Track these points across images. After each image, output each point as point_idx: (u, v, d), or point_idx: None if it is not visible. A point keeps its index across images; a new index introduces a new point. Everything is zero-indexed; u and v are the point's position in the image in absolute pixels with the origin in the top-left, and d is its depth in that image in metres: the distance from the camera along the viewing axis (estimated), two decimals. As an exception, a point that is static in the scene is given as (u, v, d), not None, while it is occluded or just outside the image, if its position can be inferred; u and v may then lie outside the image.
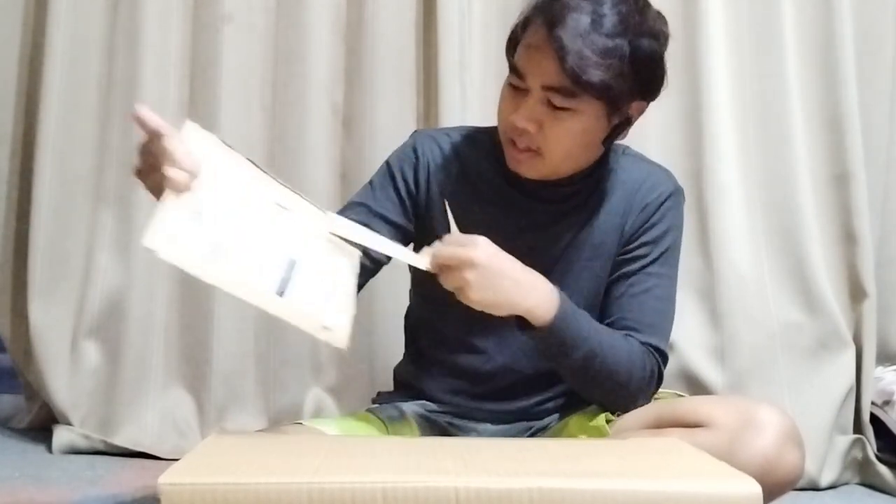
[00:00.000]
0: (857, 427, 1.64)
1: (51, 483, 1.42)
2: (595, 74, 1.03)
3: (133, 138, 0.94)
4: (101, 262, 1.67)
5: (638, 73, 1.07)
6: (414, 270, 1.28)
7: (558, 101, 1.06)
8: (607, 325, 1.15)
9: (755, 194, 1.64)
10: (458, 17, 1.62)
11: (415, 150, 1.22)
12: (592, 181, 1.19)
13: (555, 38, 1.03)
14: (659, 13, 1.12)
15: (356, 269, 1.03)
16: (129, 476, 1.50)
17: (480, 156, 1.22)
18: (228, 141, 0.95)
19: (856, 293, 1.64)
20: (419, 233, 1.22)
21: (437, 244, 1.00)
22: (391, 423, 1.20)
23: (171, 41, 1.66)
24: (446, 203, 1.07)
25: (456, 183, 1.21)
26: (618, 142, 1.18)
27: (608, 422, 1.13)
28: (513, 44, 1.12)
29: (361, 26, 1.66)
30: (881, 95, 1.70)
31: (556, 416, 1.24)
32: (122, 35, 1.66)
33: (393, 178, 1.21)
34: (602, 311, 1.19)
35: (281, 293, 0.92)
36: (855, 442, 1.62)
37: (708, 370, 1.60)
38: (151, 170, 0.87)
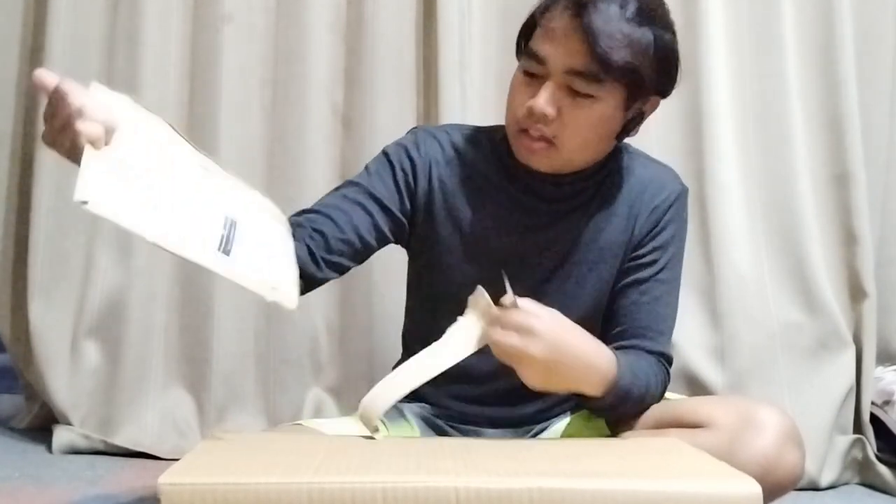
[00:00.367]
0: (857, 427, 1.64)
1: (51, 483, 1.42)
2: (624, 58, 1.02)
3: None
4: (101, 262, 1.66)
5: (660, 63, 1.07)
6: (410, 270, 1.27)
7: (581, 86, 1.04)
8: (617, 332, 1.15)
9: (755, 194, 1.64)
10: (458, 17, 1.62)
11: (417, 146, 1.19)
12: (597, 180, 1.18)
13: (584, 21, 1.02)
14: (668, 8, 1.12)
15: (290, 233, 1.01)
16: (129, 476, 1.50)
17: (481, 154, 1.20)
18: (166, 122, 0.91)
19: (856, 293, 1.64)
20: (415, 231, 1.19)
21: (494, 310, 0.96)
22: (391, 424, 1.19)
23: (171, 41, 1.66)
24: (504, 274, 0.99)
25: (458, 181, 1.19)
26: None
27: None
28: (529, 30, 1.11)
29: (361, 26, 1.66)
30: (881, 95, 1.70)
31: (558, 423, 1.23)
32: (122, 35, 1.66)
33: (392, 167, 1.18)
34: (610, 314, 1.17)
35: (226, 252, 0.85)
36: (855, 442, 1.62)
37: (708, 370, 1.60)
38: (62, 131, 0.82)
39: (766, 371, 1.60)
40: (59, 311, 1.66)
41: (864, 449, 1.62)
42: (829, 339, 1.62)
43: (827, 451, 1.59)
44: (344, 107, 1.69)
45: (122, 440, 1.63)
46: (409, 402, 1.23)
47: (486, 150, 1.20)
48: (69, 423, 1.63)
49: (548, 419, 1.23)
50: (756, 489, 0.73)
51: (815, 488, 1.57)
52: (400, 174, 1.17)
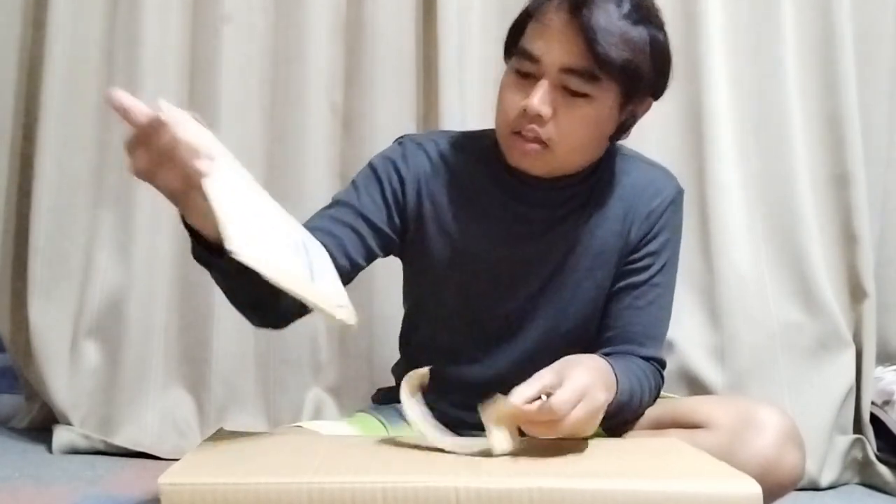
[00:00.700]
0: (857, 427, 1.64)
1: (51, 483, 1.42)
2: (623, 56, 1.02)
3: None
4: (101, 262, 1.66)
5: (656, 62, 1.06)
6: (405, 275, 1.26)
7: (576, 84, 1.03)
8: (610, 336, 1.14)
9: (755, 194, 1.64)
10: (457, 18, 1.62)
11: (405, 159, 1.16)
12: (591, 183, 1.16)
13: (582, 18, 1.00)
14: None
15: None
16: (129, 476, 1.50)
17: (470, 162, 1.17)
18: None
19: (856, 293, 1.64)
20: (405, 244, 1.18)
21: (543, 399, 0.88)
22: (391, 424, 1.19)
23: (171, 41, 1.66)
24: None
25: (447, 192, 1.16)
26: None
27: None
28: (520, 29, 1.09)
29: (361, 26, 1.66)
30: (881, 95, 1.70)
31: None
32: (122, 35, 1.66)
33: (380, 182, 1.15)
34: (603, 318, 1.16)
35: (313, 279, 0.86)
36: (855, 442, 1.62)
37: (708, 370, 1.60)
38: (162, 164, 0.75)
39: (766, 371, 1.60)
40: (58, 310, 1.66)
41: (864, 449, 1.62)
42: (829, 338, 1.62)
43: (827, 451, 1.59)
44: (344, 107, 1.69)
45: (122, 440, 1.63)
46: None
47: (476, 156, 1.17)
48: (69, 423, 1.63)
49: None
50: (756, 489, 0.73)
51: (815, 488, 1.57)
52: (388, 190, 1.15)
